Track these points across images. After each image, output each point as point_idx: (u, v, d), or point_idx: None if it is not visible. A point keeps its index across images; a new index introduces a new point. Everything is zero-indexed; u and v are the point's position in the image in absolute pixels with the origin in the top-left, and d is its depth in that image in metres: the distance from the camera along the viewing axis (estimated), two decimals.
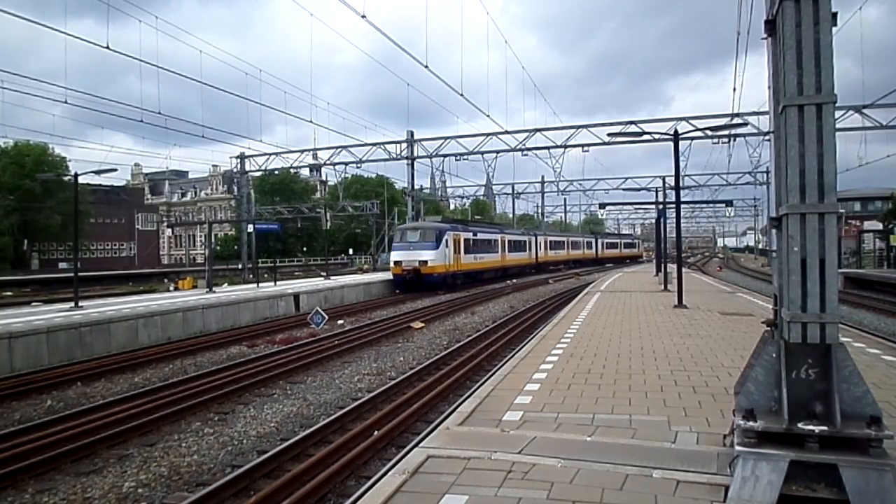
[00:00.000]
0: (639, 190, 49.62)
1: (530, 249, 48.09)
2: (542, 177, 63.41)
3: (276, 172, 53.52)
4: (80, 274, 21.91)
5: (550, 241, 55.19)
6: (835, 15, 3.73)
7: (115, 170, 25.22)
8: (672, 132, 19.29)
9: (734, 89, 28.95)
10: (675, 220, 21.64)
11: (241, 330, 17.95)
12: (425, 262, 29.94)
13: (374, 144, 38.38)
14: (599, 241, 73.16)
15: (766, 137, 29.37)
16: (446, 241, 31.40)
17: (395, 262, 30.94)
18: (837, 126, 4.36)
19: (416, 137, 38.72)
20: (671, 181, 22.18)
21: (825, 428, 3.64)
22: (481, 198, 75.50)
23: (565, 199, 76.41)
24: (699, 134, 24.47)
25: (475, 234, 36.62)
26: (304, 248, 78.38)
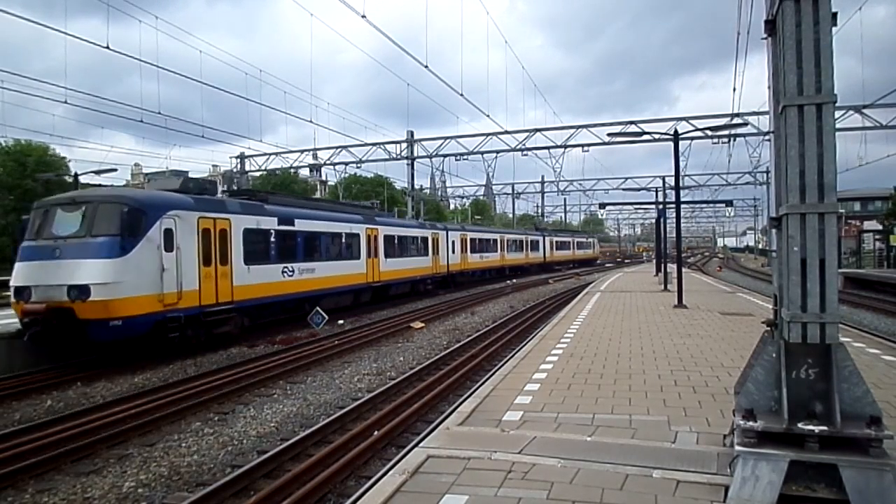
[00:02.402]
0: (639, 190, 49.66)
1: (435, 252, 30.25)
2: (542, 177, 63.32)
3: (277, 172, 53.42)
4: None
5: (472, 241, 36.45)
6: (835, 15, 3.73)
7: (115, 170, 25.26)
8: (672, 132, 19.30)
9: (734, 89, 28.99)
10: (675, 219, 21.65)
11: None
12: (84, 290, 11.90)
13: (374, 144, 38.36)
14: (548, 241, 54.43)
15: (766, 137, 29.37)
16: (166, 233, 13.39)
17: (17, 291, 12.53)
18: (837, 126, 4.36)
19: (417, 137, 38.73)
20: (671, 181, 22.19)
21: (825, 428, 3.65)
22: (481, 198, 75.56)
23: (565, 199, 76.19)
24: (699, 134, 24.48)
25: (285, 223, 17.82)
26: None
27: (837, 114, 15.08)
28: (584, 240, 70.87)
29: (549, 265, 53.47)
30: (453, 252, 32.97)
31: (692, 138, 28.23)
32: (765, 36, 4.27)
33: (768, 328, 4.31)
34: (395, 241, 25.59)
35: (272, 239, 17.11)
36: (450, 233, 32.98)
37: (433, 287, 30.11)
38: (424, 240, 29.11)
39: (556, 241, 57.30)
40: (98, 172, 22.06)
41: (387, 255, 24.33)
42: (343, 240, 21.42)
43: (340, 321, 19.18)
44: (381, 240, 23.97)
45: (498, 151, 36.58)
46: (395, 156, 38.72)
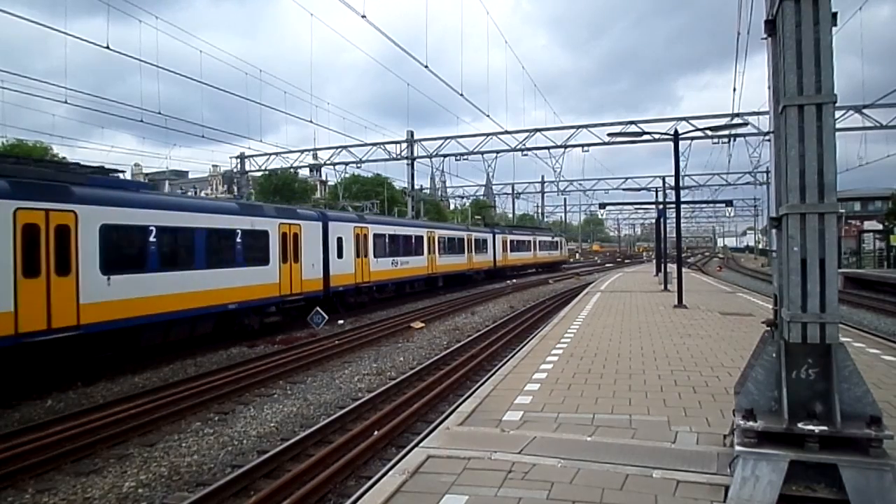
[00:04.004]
0: (639, 190, 49.64)
1: (291, 257, 17.75)
2: (543, 177, 63.26)
3: (277, 172, 53.43)
4: None
5: (376, 238, 23.71)
6: (835, 15, 3.74)
7: (116, 170, 25.11)
8: (672, 132, 19.30)
9: (734, 89, 28.83)
10: (675, 219, 21.65)
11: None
12: None
13: (374, 144, 38.39)
14: (499, 240, 41.36)
15: (766, 137, 29.35)
16: None
17: None
18: (837, 126, 4.36)
19: (418, 137, 38.79)
20: (671, 181, 22.19)
21: (825, 428, 3.64)
22: (481, 198, 75.63)
23: (565, 199, 76.19)
24: (699, 134, 24.47)
25: None
26: None
27: (837, 114, 15.09)
28: (548, 239, 55.80)
29: (500, 271, 41.01)
30: (340, 256, 20.73)
31: (692, 138, 28.24)
32: (765, 36, 4.28)
33: (768, 328, 4.31)
34: (155, 238, 13.00)
35: None
36: (332, 224, 20.40)
37: (284, 318, 17.38)
38: (257, 236, 16.26)
39: (512, 241, 44.23)
40: None
41: (122, 268, 12.26)
42: None
43: (340, 321, 19.19)
44: (94, 239, 11.68)
45: (498, 151, 36.63)
46: (395, 156, 38.75)
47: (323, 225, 19.83)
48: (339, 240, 20.80)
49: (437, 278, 30.67)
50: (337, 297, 20.55)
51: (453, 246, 33.39)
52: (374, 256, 23.40)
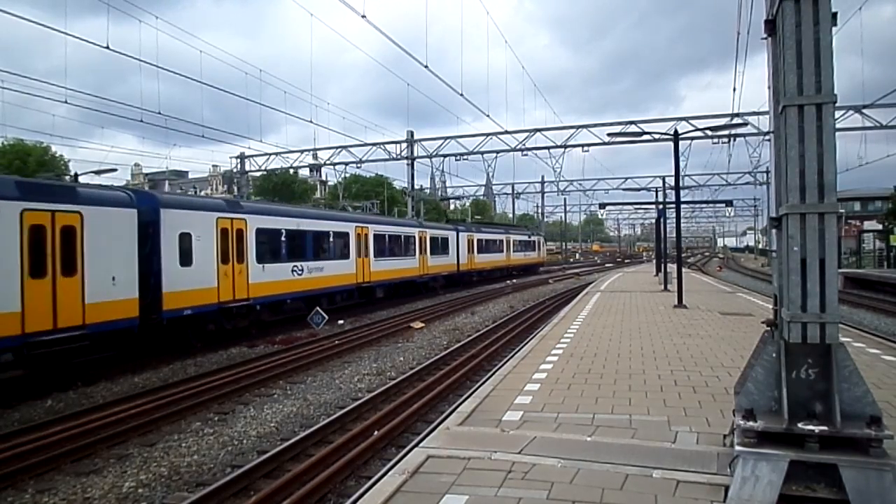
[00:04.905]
0: (639, 190, 49.63)
1: (58, 262, 10.54)
2: (542, 177, 63.18)
3: (277, 172, 53.38)
4: None
5: (261, 235, 16.31)
6: (835, 15, 3.73)
7: (115, 170, 25.11)
8: (672, 132, 19.30)
9: (734, 89, 28.76)
10: (675, 219, 21.65)
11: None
12: None
13: (374, 144, 38.37)
14: (464, 238, 34.87)
15: (766, 137, 29.32)
16: None
17: None
18: (837, 126, 4.36)
19: (418, 137, 38.78)
20: (671, 181, 22.19)
21: (825, 428, 3.64)
22: (481, 198, 75.61)
23: (565, 199, 76.07)
24: (699, 134, 24.46)
25: None
26: None
27: (837, 114, 15.10)
28: (524, 238, 48.97)
29: (465, 276, 35.07)
30: (186, 262, 13.79)
31: (692, 138, 28.20)
32: (765, 36, 4.28)
33: (768, 328, 4.31)
34: None
35: None
36: (166, 213, 13.38)
37: (37, 370, 11.03)
38: None
39: (480, 240, 37.68)
40: (98, 172, 22.01)
41: None
42: None
43: (340, 321, 19.19)
44: None
45: (498, 151, 36.58)
46: (395, 156, 38.74)
47: (142, 213, 12.50)
48: (185, 238, 13.71)
49: (373, 288, 23.64)
50: (184, 323, 13.75)
51: (399, 246, 26.30)
52: (259, 262, 16.18)
